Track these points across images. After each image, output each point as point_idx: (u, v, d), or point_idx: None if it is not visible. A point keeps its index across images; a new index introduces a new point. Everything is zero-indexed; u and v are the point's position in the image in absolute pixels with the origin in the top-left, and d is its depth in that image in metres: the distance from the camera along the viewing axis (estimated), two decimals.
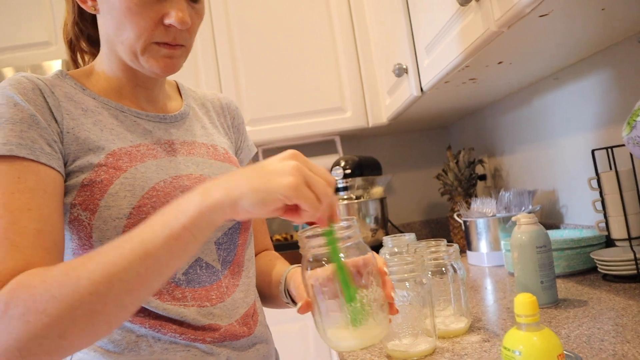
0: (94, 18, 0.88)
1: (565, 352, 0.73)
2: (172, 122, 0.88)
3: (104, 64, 0.85)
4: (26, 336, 0.57)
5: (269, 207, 0.58)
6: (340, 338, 0.65)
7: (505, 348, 0.56)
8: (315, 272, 0.67)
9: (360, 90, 2.18)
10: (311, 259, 0.66)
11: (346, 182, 2.00)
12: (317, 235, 0.65)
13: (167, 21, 0.76)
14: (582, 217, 1.54)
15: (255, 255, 1.02)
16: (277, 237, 2.26)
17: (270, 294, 0.92)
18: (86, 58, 0.94)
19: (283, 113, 2.16)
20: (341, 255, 0.64)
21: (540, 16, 0.94)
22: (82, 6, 0.82)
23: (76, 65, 0.93)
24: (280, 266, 0.93)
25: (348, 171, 1.99)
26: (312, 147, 2.45)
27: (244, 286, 0.86)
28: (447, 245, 0.95)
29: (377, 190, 2.06)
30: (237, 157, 0.99)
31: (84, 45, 0.92)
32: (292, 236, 2.28)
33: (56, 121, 0.74)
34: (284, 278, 0.88)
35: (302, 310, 0.70)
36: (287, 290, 0.86)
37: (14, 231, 0.64)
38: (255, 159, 2.30)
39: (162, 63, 0.79)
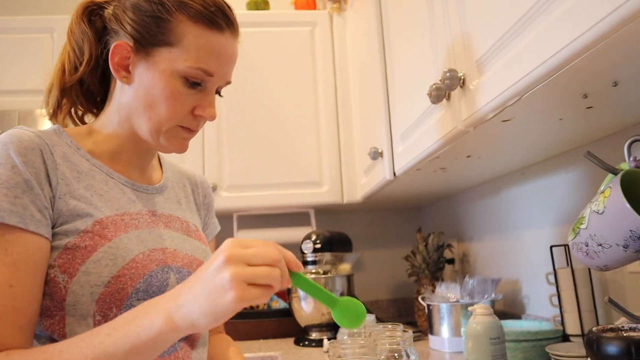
0: (103, 76, 0.91)
1: None
2: (154, 193, 0.92)
3: (109, 126, 0.88)
4: None
5: (224, 320, 0.63)
6: None
7: None
8: None
9: (338, 167, 2.25)
10: None
11: (315, 257, 2.03)
12: None
13: (199, 113, 0.85)
14: (542, 309, 1.58)
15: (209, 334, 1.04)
16: None
17: None
18: (70, 109, 0.94)
19: (261, 182, 2.20)
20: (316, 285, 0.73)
21: (503, 121, 1.02)
22: (114, 74, 0.85)
23: (54, 114, 0.93)
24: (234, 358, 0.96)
25: (318, 246, 2.02)
26: (286, 218, 2.49)
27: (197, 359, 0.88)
28: (403, 331, 0.97)
29: (346, 267, 2.09)
30: (203, 232, 1.03)
31: (77, 95, 0.93)
32: (257, 305, 2.27)
33: (50, 186, 0.77)
34: None
35: None
36: None
37: None
38: (229, 225, 2.30)
39: (180, 144, 0.88)
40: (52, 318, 0.75)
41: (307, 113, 2.26)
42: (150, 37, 0.83)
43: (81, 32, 0.89)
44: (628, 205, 0.70)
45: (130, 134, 0.88)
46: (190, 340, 0.87)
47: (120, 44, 0.85)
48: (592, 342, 0.52)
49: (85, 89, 0.93)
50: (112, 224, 0.80)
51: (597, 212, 0.76)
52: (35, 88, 2.13)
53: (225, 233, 2.30)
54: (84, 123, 0.96)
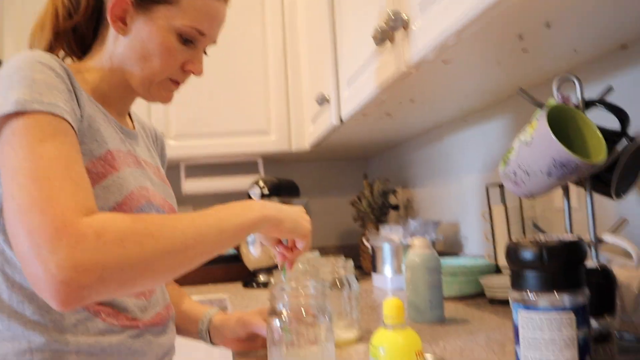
0: (96, 24, 0.94)
1: (435, 358, 0.82)
2: (133, 138, 0.97)
3: (99, 70, 0.92)
4: (118, 260, 0.63)
5: (295, 235, 0.88)
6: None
7: (372, 345, 0.64)
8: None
9: (286, 115, 2.25)
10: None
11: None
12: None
13: (188, 68, 0.93)
14: (478, 248, 1.67)
15: None
16: None
17: (181, 323, 1.06)
18: (55, 52, 0.96)
19: (209, 131, 2.20)
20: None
21: (444, 62, 1.05)
22: (112, 24, 0.89)
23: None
24: (190, 304, 1.10)
25: (266, 191, 2.05)
26: (234, 167, 2.50)
27: (160, 288, 0.96)
28: (344, 262, 1.03)
29: None
30: None
31: (70, 39, 0.96)
32: None
33: (79, 105, 0.80)
34: (206, 321, 1.05)
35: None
36: (209, 333, 1.04)
37: (75, 174, 0.69)
38: (176, 174, 2.29)
39: (168, 95, 0.95)
40: None
41: (255, 60, 2.24)
42: None
43: None
44: (552, 135, 0.76)
45: (121, 81, 0.92)
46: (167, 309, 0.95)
47: None
48: (510, 251, 0.57)
49: (77, 34, 0.96)
50: (117, 157, 0.86)
51: (525, 143, 0.81)
52: None
53: (172, 183, 2.29)
54: None
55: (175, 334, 0.99)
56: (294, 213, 0.87)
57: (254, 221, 0.79)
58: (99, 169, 0.82)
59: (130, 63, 0.90)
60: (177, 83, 0.95)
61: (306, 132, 2.24)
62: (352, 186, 2.68)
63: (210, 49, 0.97)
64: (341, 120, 1.65)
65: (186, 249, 0.69)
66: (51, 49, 0.94)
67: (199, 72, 0.94)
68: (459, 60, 1.05)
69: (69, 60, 0.99)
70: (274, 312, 0.76)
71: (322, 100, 1.71)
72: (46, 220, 0.62)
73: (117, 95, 0.94)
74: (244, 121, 2.23)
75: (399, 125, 1.80)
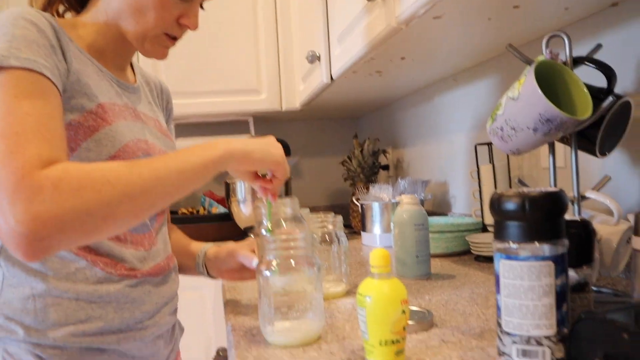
0: None
1: (420, 309, 0.84)
2: (133, 92, 0.97)
3: (96, 24, 0.91)
4: (75, 209, 0.63)
5: (267, 164, 0.83)
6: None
7: (359, 294, 0.65)
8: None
9: (277, 74, 2.24)
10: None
11: None
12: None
13: (184, 22, 0.90)
14: (466, 207, 1.69)
15: None
16: (183, 210, 2.29)
17: (180, 263, 1.07)
18: (54, 7, 0.97)
19: (199, 90, 2.18)
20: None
21: (434, 18, 1.05)
22: None
23: (44, 10, 0.94)
24: (193, 243, 1.12)
25: None
26: (225, 126, 2.49)
27: (162, 238, 0.98)
28: (334, 217, 1.04)
29: None
30: None
31: None
32: (197, 211, 2.31)
33: (65, 60, 0.80)
34: (202, 255, 1.07)
35: (253, 264, 0.96)
36: (206, 266, 1.07)
37: (45, 129, 0.69)
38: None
39: (163, 51, 0.93)
40: None
41: (245, 18, 2.21)
42: None
43: None
44: (539, 90, 0.76)
45: (117, 35, 0.91)
46: (157, 223, 0.96)
47: None
48: (494, 202, 0.58)
49: None
50: (110, 110, 0.86)
51: (512, 98, 0.82)
52: None
53: None
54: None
55: (177, 284, 1.01)
56: (262, 143, 0.84)
57: (216, 158, 0.77)
58: (90, 122, 0.82)
59: (124, 16, 0.89)
60: (173, 39, 0.93)
61: (297, 90, 2.22)
62: (343, 146, 2.68)
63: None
64: (332, 78, 1.64)
65: (144, 192, 0.69)
66: (50, 4, 0.94)
67: (194, 27, 0.92)
68: (449, 15, 1.04)
69: (69, 15, 0.99)
70: (263, 262, 0.78)
71: (313, 58, 1.70)
72: (6, 174, 0.63)
73: (113, 49, 0.93)
74: (234, 80, 2.21)
75: (389, 83, 1.79)
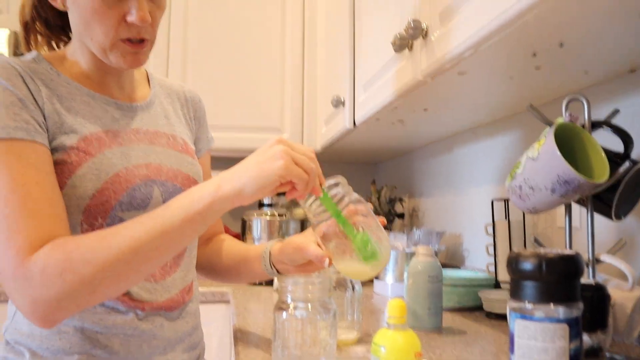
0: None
1: None
2: (137, 111, 0.94)
3: (76, 53, 0.90)
4: (62, 291, 0.69)
5: (268, 188, 0.72)
6: (358, 272, 0.81)
7: (374, 343, 0.66)
8: (321, 230, 0.82)
9: (300, 114, 2.28)
10: (316, 223, 0.82)
11: (272, 199, 2.08)
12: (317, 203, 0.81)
13: (129, 19, 0.82)
14: (480, 262, 1.69)
15: (208, 239, 1.12)
16: None
17: (245, 269, 1.03)
18: (39, 39, 0.97)
19: (222, 123, 2.21)
20: (338, 209, 0.81)
21: (459, 73, 1.07)
22: (52, 3, 0.87)
23: (28, 45, 0.96)
24: (255, 247, 1.04)
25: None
26: None
27: (185, 266, 0.94)
28: None
29: (300, 212, 2.15)
30: (195, 146, 1.06)
31: (39, 27, 0.95)
32: None
33: (38, 106, 0.80)
34: (267, 254, 0.98)
35: (325, 264, 0.85)
36: (272, 263, 0.97)
37: (31, 203, 0.72)
38: None
39: (129, 59, 0.86)
40: None
41: (273, 57, 2.27)
42: None
43: None
44: (558, 152, 0.77)
45: (93, 57, 0.89)
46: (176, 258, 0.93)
47: None
48: (511, 261, 0.59)
49: (44, 20, 0.95)
50: (96, 140, 0.84)
51: (532, 158, 0.83)
52: None
53: None
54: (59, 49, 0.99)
55: (197, 318, 0.98)
56: (254, 165, 0.73)
57: (204, 210, 0.71)
58: (74, 158, 0.81)
59: (83, 37, 0.86)
60: (137, 42, 0.85)
61: (318, 133, 2.26)
62: (360, 190, 2.67)
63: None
64: (354, 124, 1.67)
65: (127, 263, 0.71)
66: (27, 41, 0.95)
67: (140, 20, 0.82)
68: (473, 72, 1.07)
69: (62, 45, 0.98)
70: (281, 304, 0.78)
71: (338, 103, 1.73)
72: (4, 264, 0.71)
73: (98, 72, 0.91)
74: (258, 117, 2.25)
75: (410, 133, 1.82)
